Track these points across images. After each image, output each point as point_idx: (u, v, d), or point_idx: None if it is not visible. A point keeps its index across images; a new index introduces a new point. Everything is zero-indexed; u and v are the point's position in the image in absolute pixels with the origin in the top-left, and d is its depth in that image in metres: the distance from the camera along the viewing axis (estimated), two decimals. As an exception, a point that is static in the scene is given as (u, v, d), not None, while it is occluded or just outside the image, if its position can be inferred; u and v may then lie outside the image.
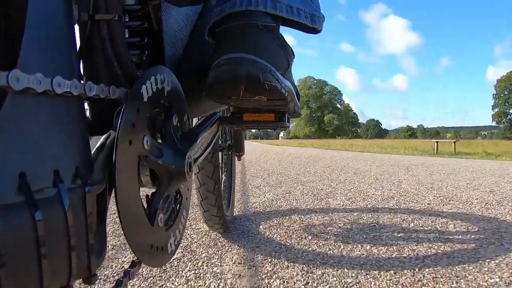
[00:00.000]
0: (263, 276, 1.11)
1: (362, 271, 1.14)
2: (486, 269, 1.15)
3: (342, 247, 1.37)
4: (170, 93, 0.60)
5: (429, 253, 1.30)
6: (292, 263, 1.21)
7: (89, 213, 0.39)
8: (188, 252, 1.32)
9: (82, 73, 0.49)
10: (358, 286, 1.03)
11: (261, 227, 1.65)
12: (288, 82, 0.76)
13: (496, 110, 61.64)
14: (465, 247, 1.37)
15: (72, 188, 0.37)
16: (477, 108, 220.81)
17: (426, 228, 1.63)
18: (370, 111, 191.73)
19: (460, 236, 1.51)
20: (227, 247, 1.38)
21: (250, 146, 15.91)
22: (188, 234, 1.53)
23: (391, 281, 1.06)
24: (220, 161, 1.58)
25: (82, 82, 0.40)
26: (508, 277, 1.08)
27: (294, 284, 1.04)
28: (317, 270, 1.15)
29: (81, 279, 0.40)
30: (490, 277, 1.08)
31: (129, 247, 0.48)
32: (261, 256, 1.28)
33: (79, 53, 0.47)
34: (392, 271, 1.14)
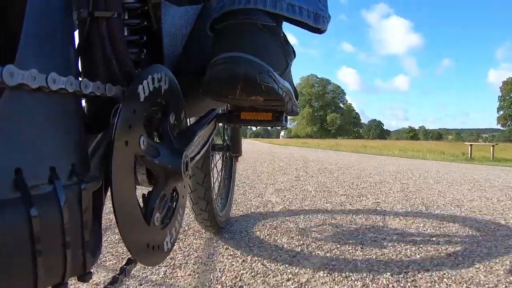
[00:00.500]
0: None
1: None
2: None
3: None
4: (167, 92, 0.60)
5: None
6: None
7: (85, 210, 0.39)
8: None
9: (80, 70, 0.48)
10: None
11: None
12: (286, 83, 0.75)
13: (501, 112, 61.62)
14: None
15: (68, 185, 0.37)
16: (478, 110, 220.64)
17: None
18: (371, 112, 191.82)
19: None
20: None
21: (250, 146, 14.41)
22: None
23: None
24: (218, 163, 1.59)
25: (79, 79, 0.40)
26: None
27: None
28: None
29: (75, 277, 0.40)
30: None
31: (124, 246, 0.48)
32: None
33: (78, 50, 0.47)
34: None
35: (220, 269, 1.10)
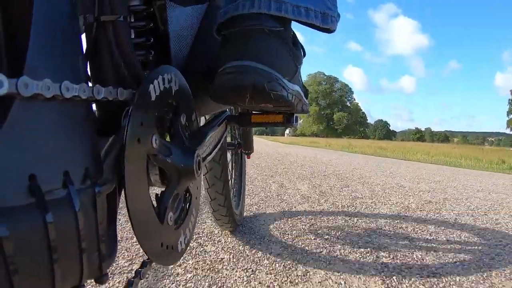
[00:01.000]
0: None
1: None
2: None
3: None
4: (178, 92, 0.60)
5: None
6: None
7: (100, 213, 0.39)
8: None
9: (90, 75, 0.49)
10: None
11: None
12: (295, 86, 0.75)
13: (511, 116, 61.01)
14: None
15: (82, 189, 0.37)
16: (484, 113, 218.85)
17: None
18: (376, 112, 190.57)
19: None
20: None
21: (255, 146, 12.12)
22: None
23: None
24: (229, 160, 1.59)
25: (90, 85, 0.41)
26: None
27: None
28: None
29: (92, 279, 0.40)
30: None
31: (140, 246, 0.49)
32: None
33: (86, 55, 0.47)
34: None
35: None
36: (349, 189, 2.89)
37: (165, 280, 1.02)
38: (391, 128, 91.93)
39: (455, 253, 1.35)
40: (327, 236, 1.51)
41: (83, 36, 0.47)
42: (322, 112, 77.13)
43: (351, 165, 5.40)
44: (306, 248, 1.35)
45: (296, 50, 0.74)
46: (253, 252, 1.30)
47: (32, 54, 0.33)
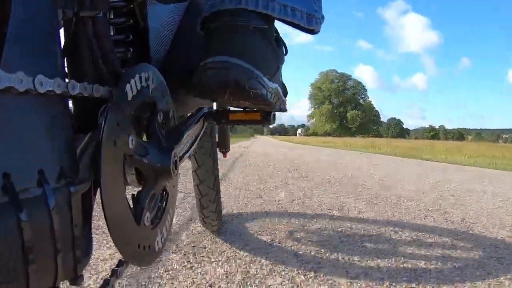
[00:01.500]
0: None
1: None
2: None
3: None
4: (155, 91, 0.60)
5: None
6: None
7: (75, 213, 0.39)
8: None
9: (67, 71, 0.48)
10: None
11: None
12: (275, 85, 0.75)
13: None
14: None
15: (57, 188, 0.37)
16: (497, 111, 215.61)
17: None
18: (388, 110, 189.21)
19: None
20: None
21: (265, 147, 10.45)
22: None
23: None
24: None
25: (66, 80, 0.40)
26: None
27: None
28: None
29: (67, 280, 0.40)
30: None
31: (115, 247, 0.48)
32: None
33: (64, 51, 0.46)
34: None
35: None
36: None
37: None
38: (404, 126, 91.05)
39: None
40: None
41: (61, 31, 0.46)
42: (335, 111, 76.41)
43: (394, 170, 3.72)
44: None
45: (278, 49, 0.75)
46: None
47: (9, 48, 0.33)
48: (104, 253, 1.19)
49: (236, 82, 0.65)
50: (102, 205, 0.44)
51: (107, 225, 0.45)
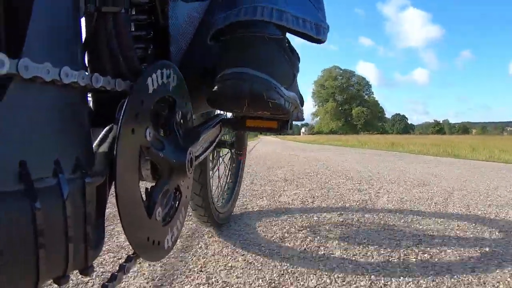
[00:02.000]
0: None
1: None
2: None
3: None
4: (175, 89, 0.60)
5: None
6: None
7: (88, 204, 0.39)
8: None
9: (87, 64, 0.49)
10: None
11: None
12: (292, 93, 0.76)
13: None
14: None
15: (72, 179, 0.37)
16: (500, 103, 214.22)
17: None
18: (391, 106, 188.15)
19: None
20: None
21: (268, 147, 8.87)
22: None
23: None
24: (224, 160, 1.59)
25: (87, 73, 0.40)
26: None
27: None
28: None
29: (77, 270, 0.40)
30: None
31: (126, 239, 0.49)
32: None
33: (84, 45, 0.47)
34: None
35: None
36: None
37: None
38: (409, 121, 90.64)
39: None
40: None
41: (83, 26, 0.47)
42: (340, 108, 75.84)
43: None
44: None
45: (293, 58, 0.75)
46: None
47: (31, 39, 0.33)
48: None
49: (254, 93, 0.65)
50: (116, 195, 0.45)
51: (119, 215, 0.46)
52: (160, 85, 0.54)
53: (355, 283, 0.89)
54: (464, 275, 0.94)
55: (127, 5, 0.49)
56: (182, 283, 0.88)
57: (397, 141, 13.11)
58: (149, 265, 0.98)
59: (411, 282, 0.89)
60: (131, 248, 0.51)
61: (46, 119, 0.35)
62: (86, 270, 0.40)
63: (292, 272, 0.95)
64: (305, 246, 1.17)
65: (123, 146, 0.45)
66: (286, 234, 1.30)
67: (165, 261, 1.02)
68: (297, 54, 0.79)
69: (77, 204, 0.38)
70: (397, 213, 1.66)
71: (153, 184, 0.57)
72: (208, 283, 0.88)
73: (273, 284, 0.87)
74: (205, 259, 1.04)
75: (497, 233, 1.36)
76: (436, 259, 1.06)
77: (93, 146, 0.45)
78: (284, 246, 1.16)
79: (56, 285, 0.38)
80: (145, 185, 0.57)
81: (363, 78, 78.23)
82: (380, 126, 77.40)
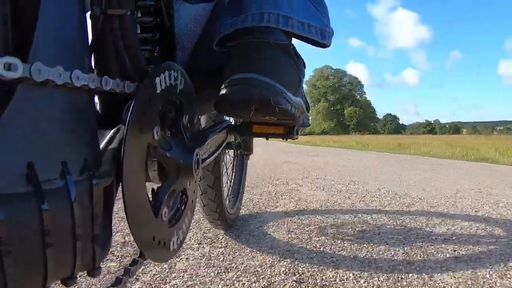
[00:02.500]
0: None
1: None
2: None
3: None
4: (182, 90, 0.60)
5: None
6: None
7: (96, 205, 0.39)
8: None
9: (93, 67, 0.49)
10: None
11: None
12: (298, 99, 0.77)
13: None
14: None
15: (80, 180, 0.37)
16: (489, 103, 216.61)
17: None
18: (381, 107, 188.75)
19: None
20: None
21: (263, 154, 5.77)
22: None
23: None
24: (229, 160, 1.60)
25: (92, 75, 0.40)
26: None
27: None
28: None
29: (85, 271, 0.40)
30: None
31: (133, 239, 0.49)
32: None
33: (91, 47, 0.48)
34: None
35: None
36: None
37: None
38: (400, 122, 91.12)
39: None
40: None
41: (89, 28, 0.47)
42: (332, 108, 75.89)
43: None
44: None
45: (299, 63, 0.76)
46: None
47: (38, 43, 0.33)
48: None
49: (261, 98, 0.66)
50: (123, 195, 0.45)
51: (126, 214, 0.46)
52: (166, 86, 0.54)
53: None
54: None
55: (132, 7, 0.49)
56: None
57: (403, 142, 12.26)
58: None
59: None
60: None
61: (53, 121, 0.35)
62: (94, 271, 0.41)
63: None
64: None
65: (130, 147, 0.45)
66: None
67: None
68: (303, 59, 0.80)
69: (85, 205, 0.38)
70: None
71: (159, 185, 0.57)
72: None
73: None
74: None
75: None
76: None
77: (100, 147, 0.45)
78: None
79: (64, 286, 0.38)
80: (152, 186, 0.58)
81: (355, 78, 77.93)
82: (372, 126, 77.65)
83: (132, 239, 0.50)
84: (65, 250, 0.36)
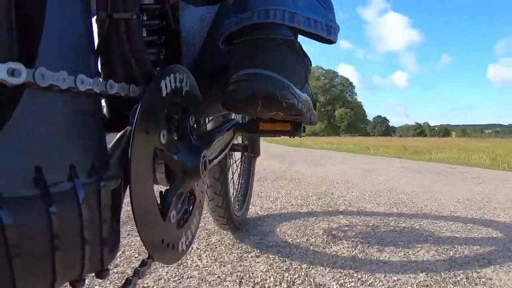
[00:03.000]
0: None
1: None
2: None
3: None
4: (188, 92, 0.60)
5: None
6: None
7: (103, 208, 0.40)
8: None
9: (100, 70, 0.49)
10: None
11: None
12: (305, 95, 0.76)
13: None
14: None
15: (87, 183, 0.37)
16: (478, 106, 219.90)
17: None
18: (371, 109, 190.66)
19: None
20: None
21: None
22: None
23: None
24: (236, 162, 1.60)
25: (101, 80, 0.41)
26: None
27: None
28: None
29: (93, 273, 0.40)
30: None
31: (141, 242, 0.49)
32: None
33: (97, 51, 0.48)
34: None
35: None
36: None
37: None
38: (390, 124, 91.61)
39: None
40: None
41: (95, 32, 0.47)
42: (323, 109, 75.85)
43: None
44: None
45: (305, 59, 0.76)
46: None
47: (44, 47, 0.34)
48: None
49: (268, 93, 0.65)
50: (131, 198, 0.45)
51: (134, 218, 0.46)
52: (173, 89, 0.54)
53: None
54: None
55: (138, 11, 0.49)
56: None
57: (407, 144, 11.60)
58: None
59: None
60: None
61: (61, 125, 0.36)
62: (102, 273, 0.41)
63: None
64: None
65: (137, 149, 0.45)
66: None
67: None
68: (309, 57, 0.79)
69: (93, 208, 0.38)
70: None
71: (167, 187, 0.58)
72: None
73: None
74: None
75: None
76: None
77: (108, 150, 0.45)
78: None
79: None
80: (159, 188, 0.58)
81: (347, 79, 78.00)
82: (362, 128, 77.94)
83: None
84: (74, 253, 0.36)
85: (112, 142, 0.47)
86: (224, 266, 1.12)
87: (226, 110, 0.74)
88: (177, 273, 1.06)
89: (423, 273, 1.09)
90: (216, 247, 1.29)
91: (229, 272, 1.07)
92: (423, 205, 2.14)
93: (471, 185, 3.03)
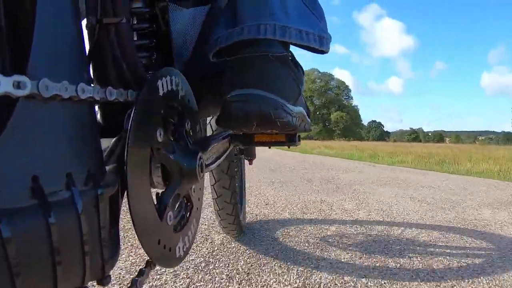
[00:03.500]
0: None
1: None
2: None
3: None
4: (182, 95, 0.60)
5: None
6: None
7: (102, 215, 0.39)
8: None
9: (92, 77, 0.49)
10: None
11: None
12: (298, 107, 0.76)
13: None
14: None
15: (85, 191, 0.37)
16: (472, 113, 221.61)
17: None
18: (365, 114, 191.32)
19: None
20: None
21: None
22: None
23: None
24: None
25: (92, 86, 0.40)
26: None
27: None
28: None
29: (95, 281, 0.40)
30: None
31: (140, 245, 0.49)
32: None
33: (89, 57, 0.48)
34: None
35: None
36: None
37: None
38: (384, 129, 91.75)
39: None
40: None
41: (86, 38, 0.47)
42: (318, 113, 75.50)
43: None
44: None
45: (298, 72, 0.75)
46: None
47: (35, 56, 0.33)
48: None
49: (261, 114, 0.66)
50: (128, 202, 0.45)
51: (133, 221, 0.46)
52: (166, 92, 0.54)
53: None
54: None
55: (128, 15, 0.49)
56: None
57: (426, 151, 9.75)
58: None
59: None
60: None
61: (56, 133, 0.35)
62: (104, 280, 0.41)
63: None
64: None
65: (133, 154, 0.45)
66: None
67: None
68: (301, 67, 0.79)
69: (91, 215, 0.38)
70: None
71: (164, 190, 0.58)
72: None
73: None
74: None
75: None
76: None
77: (104, 156, 0.45)
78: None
79: None
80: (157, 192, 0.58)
81: (343, 82, 77.16)
82: (357, 132, 77.83)
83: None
84: (74, 261, 0.36)
85: (108, 148, 0.47)
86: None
87: (221, 127, 0.75)
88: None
89: None
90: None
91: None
92: None
93: None
